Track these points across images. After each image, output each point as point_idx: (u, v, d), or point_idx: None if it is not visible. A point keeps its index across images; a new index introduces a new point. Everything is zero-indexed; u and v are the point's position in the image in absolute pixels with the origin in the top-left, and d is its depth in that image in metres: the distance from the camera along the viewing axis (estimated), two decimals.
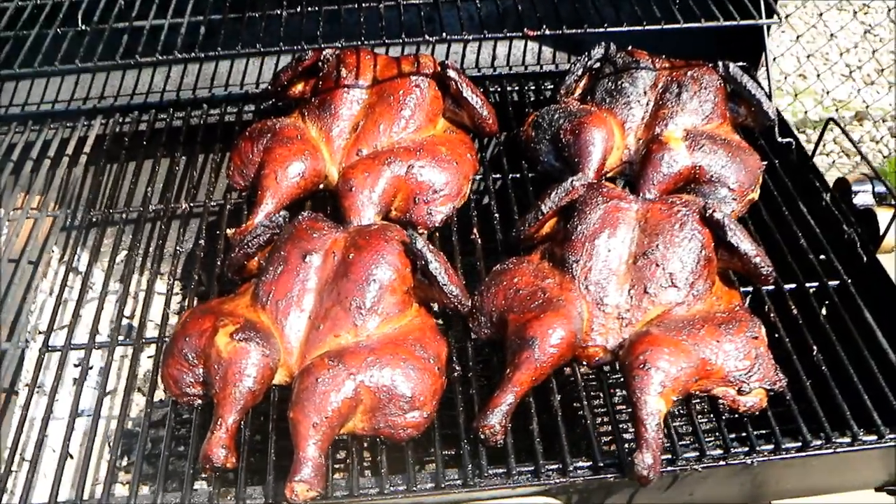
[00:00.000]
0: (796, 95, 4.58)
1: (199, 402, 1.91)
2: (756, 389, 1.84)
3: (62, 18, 2.40)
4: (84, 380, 2.03)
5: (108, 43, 2.32)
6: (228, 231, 2.24)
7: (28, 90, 2.74)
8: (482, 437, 1.79)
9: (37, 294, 2.37)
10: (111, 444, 2.30)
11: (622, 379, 1.85)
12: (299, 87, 2.53)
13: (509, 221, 2.28)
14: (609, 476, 1.77)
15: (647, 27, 2.41)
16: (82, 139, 2.57)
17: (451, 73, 2.39)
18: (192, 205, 2.40)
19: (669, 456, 1.79)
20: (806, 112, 4.59)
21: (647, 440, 1.72)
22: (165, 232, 2.34)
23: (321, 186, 2.36)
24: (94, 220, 2.39)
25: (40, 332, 2.36)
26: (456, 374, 1.94)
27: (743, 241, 1.97)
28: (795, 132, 2.59)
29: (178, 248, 2.29)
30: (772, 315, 2.04)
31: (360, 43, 2.30)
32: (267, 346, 1.85)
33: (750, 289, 2.12)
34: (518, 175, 2.46)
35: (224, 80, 2.80)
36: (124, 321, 2.37)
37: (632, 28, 2.42)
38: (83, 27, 2.38)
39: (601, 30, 2.42)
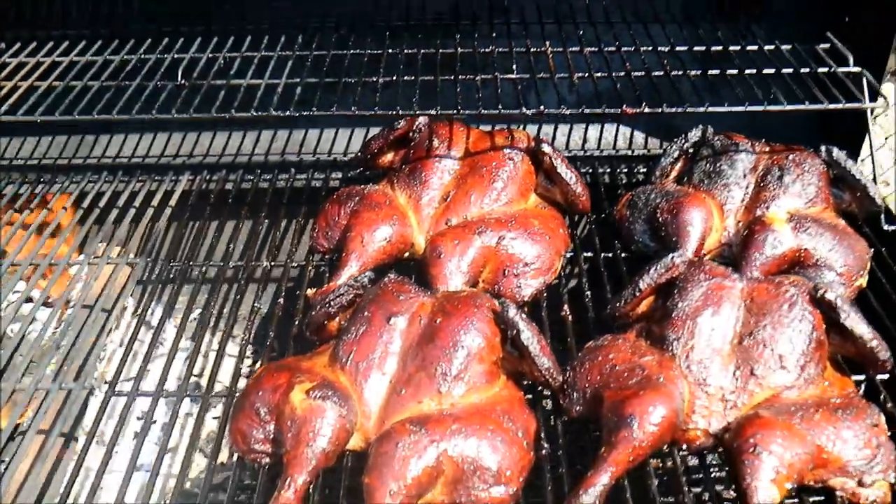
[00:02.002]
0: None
1: (267, 460, 1.80)
2: (879, 482, 1.67)
3: (162, 73, 2.42)
4: (146, 433, 1.94)
5: (203, 98, 2.33)
6: (309, 291, 2.17)
7: (121, 143, 2.76)
8: None
9: (107, 343, 2.32)
10: (167, 502, 2.18)
11: (727, 466, 1.70)
12: (388, 157, 2.50)
13: (601, 301, 2.17)
14: None
15: (748, 108, 2.33)
16: (168, 193, 2.56)
17: (546, 148, 2.33)
18: (272, 264, 2.34)
19: None
20: None
21: None
22: (243, 290, 2.28)
23: (406, 255, 2.29)
24: (172, 272, 2.34)
25: (106, 382, 2.30)
26: (544, 451, 1.80)
27: (858, 324, 1.83)
28: None
29: (254, 306, 2.21)
30: (888, 405, 1.87)
31: (455, 112, 2.27)
32: (344, 406, 1.74)
33: (863, 377, 1.96)
34: (610, 255, 2.36)
35: (313, 147, 2.79)
36: (193, 379, 2.30)
37: (732, 108, 2.35)
38: (182, 81, 2.39)
39: (701, 109, 2.34)
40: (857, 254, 2.19)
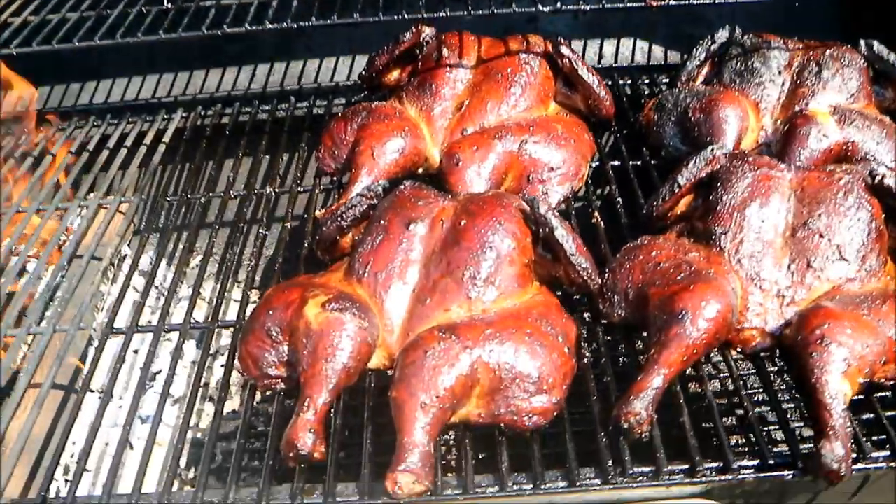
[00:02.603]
0: None
1: (282, 385, 1.63)
2: None
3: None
4: (147, 374, 1.78)
5: (192, 20, 2.15)
6: (318, 212, 2.00)
7: (109, 88, 2.59)
8: (625, 426, 1.47)
9: (104, 291, 2.16)
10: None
11: (790, 363, 1.53)
12: (395, 74, 2.31)
13: (633, 208, 2.00)
14: (787, 473, 1.43)
15: None
16: (161, 131, 2.39)
17: (565, 50, 2.15)
18: (277, 190, 2.17)
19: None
20: None
21: (833, 427, 1.40)
22: (247, 221, 2.11)
23: (419, 171, 2.11)
24: (171, 207, 2.18)
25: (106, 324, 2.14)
26: (585, 360, 1.64)
27: None
28: None
29: (259, 233, 2.03)
30: None
31: (466, 14, 2.09)
32: (365, 318, 1.57)
33: None
34: (639, 162, 2.18)
35: (313, 77, 2.61)
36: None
37: None
38: (168, 5, 2.22)
39: None
40: None
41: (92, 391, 2.11)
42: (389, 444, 1.44)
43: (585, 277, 1.66)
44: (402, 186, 1.81)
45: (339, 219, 1.77)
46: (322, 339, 1.53)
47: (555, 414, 1.52)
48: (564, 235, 1.64)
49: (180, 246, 2.33)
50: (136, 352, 2.22)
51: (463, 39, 2.23)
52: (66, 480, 1.90)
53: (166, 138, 2.36)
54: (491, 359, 1.49)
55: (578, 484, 1.44)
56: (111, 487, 1.54)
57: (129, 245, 2.35)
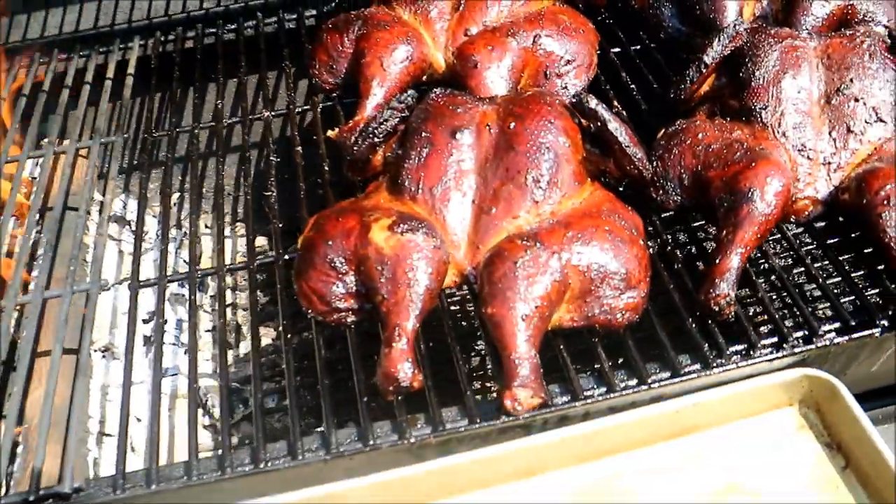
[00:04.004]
0: None
1: (353, 318, 1.55)
2: None
3: None
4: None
5: None
6: (330, 132, 1.88)
7: (43, 20, 2.33)
8: (715, 309, 1.48)
9: (88, 243, 2.00)
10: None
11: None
12: None
13: (649, 93, 1.98)
14: (874, 332, 1.47)
15: None
16: (122, 63, 2.18)
17: None
18: (272, 113, 2.03)
19: None
20: None
21: None
22: (248, 150, 1.96)
23: (424, 78, 2.01)
24: (158, 145, 2.01)
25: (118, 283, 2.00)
26: (651, 250, 1.62)
27: None
28: None
29: (270, 159, 1.91)
30: None
31: None
32: (436, 235, 1.51)
33: None
34: (639, 46, 2.14)
35: None
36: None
37: None
38: None
39: None
40: None
41: (104, 352, 1.99)
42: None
43: (641, 167, 1.63)
44: (434, 94, 1.71)
45: (371, 135, 1.67)
46: (399, 265, 1.46)
47: (643, 308, 1.51)
48: (618, 128, 1.60)
49: (179, 182, 2.17)
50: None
51: None
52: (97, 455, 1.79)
53: (131, 69, 2.15)
54: (581, 261, 1.46)
55: (682, 373, 1.44)
56: (155, 459, 1.41)
57: (113, 191, 2.18)
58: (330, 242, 1.53)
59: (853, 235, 1.67)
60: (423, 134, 1.64)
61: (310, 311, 1.56)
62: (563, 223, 1.51)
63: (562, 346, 1.48)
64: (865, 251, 1.63)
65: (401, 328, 1.43)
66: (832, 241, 1.68)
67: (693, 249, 1.78)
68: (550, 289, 1.43)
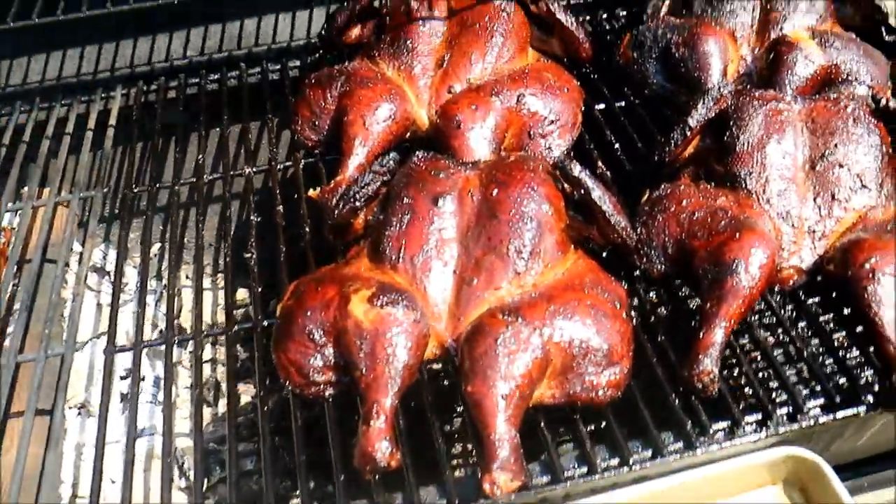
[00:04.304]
0: None
1: (331, 391, 1.52)
2: None
3: None
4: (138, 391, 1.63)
5: None
6: (311, 192, 1.86)
7: (25, 67, 2.31)
8: (699, 386, 1.46)
9: (64, 299, 1.97)
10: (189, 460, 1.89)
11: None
12: (355, 32, 2.15)
13: (632, 152, 1.97)
14: (858, 410, 1.46)
15: None
16: (104, 112, 2.16)
17: None
18: (254, 169, 2.00)
19: None
20: None
21: None
22: (229, 206, 1.94)
23: (407, 135, 2.00)
24: (136, 200, 1.98)
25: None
26: (633, 321, 1.60)
27: None
28: None
29: (251, 219, 1.89)
30: None
31: None
32: (416, 309, 1.48)
33: None
34: (623, 103, 2.13)
35: (253, 39, 2.40)
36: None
37: None
38: None
39: None
40: (878, 63, 2.06)
41: (80, 409, 1.96)
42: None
43: (625, 236, 1.62)
44: (416, 158, 1.70)
45: (352, 199, 1.65)
46: (379, 339, 1.44)
47: (625, 385, 1.49)
48: (601, 196, 1.58)
49: (160, 234, 2.14)
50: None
51: None
52: None
53: (112, 120, 2.13)
54: (563, 336, 1.44)
55: (664, 454, 1.42)
56: None
57: (93, 241, 2.15)
58: (309, 313, 1.51)
59: (839, 304, 1.66)
60: (405, 200, 1.62)
61: (288, 382, 1.53)
62: (546, 296, 1.49)
63: (542, 423, 1.46)
64: (849, 317, 1.61)
65: (379, 405, 1.40)
66: (816, 308, 1.67)
67: (678, 318, 1.76)
68: (532, 366, 1.40)
